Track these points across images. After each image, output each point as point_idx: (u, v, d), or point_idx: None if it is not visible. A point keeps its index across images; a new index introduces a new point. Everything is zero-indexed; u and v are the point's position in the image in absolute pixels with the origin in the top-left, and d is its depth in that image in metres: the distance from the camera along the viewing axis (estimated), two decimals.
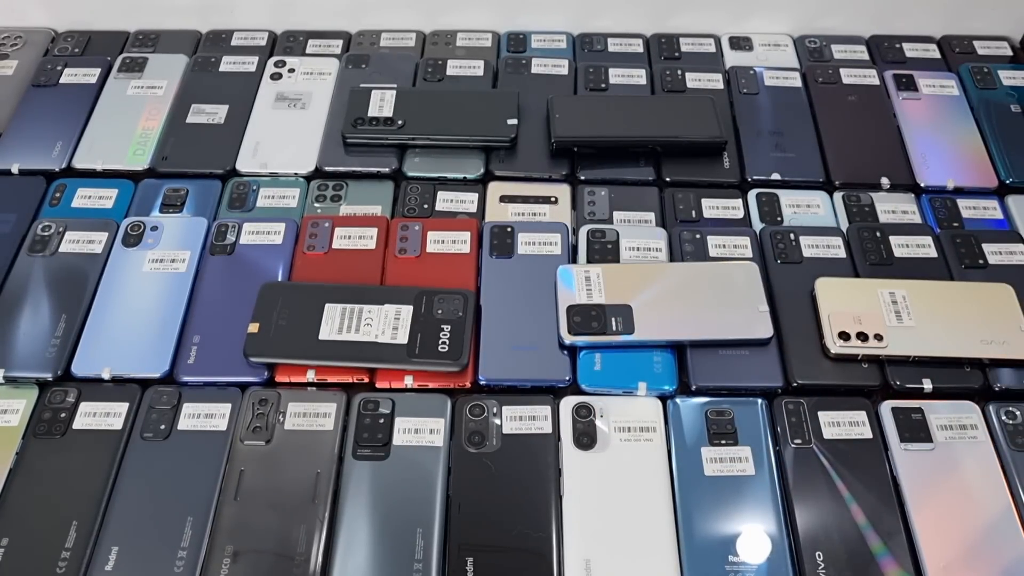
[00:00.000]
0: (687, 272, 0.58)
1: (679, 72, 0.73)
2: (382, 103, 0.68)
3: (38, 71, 0.73)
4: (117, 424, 0.52)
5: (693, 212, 0.64)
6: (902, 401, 0.53)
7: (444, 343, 0.54)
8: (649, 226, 0.63)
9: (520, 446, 0.51)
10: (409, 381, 0.54)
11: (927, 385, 0.54)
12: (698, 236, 0.61)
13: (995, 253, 0.61)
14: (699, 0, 0.77)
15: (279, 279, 0.59)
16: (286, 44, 0.76)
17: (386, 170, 0.66)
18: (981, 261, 0.60)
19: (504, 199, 0.64)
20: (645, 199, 0.65)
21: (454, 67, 0.74)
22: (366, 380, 0.54)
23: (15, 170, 0.66)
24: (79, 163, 0.66)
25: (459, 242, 0.61)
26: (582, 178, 0.66)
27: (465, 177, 0.66)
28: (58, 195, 0.64)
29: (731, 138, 0.69)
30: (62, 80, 0.72)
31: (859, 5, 0.78)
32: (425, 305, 0.55)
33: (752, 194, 0.65)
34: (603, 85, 0.73)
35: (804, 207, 0.65)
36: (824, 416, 0.52)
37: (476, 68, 0.74)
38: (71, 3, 0.77)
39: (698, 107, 0.69)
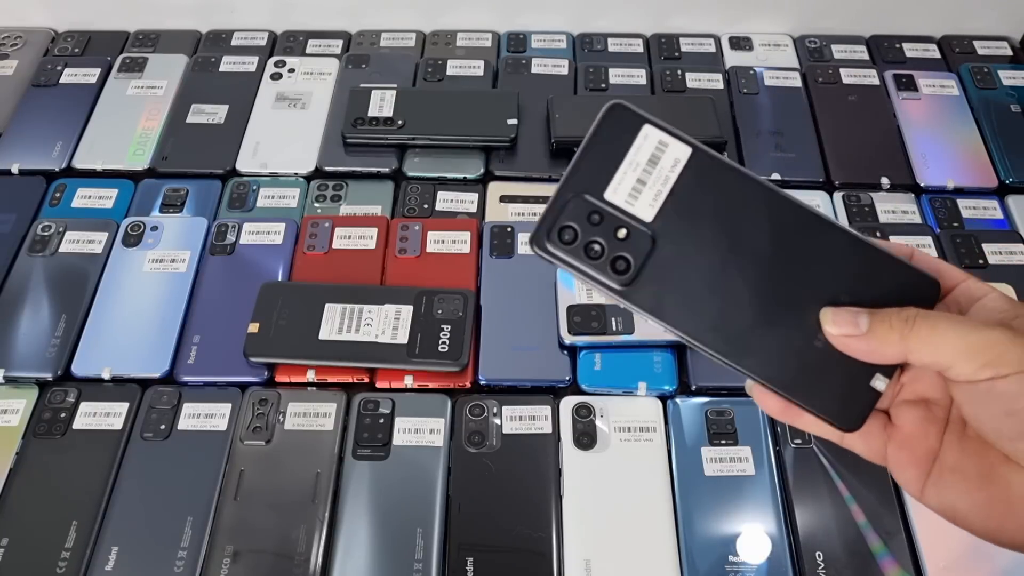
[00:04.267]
0: None
1: (679, 72, 0.73)
2: (382, 103, 0.68)
3: (38, 71, 0.73)
4: (117, 424, 0.52)
5: None
6: None
7: (444, 343, 0.54)
8: None
9: (520, 446, 0.51)
10: (409, 381, 0.54)
11: None
12: None
13: (995, 253, 0.61)
14: (699, 0, 0.77)
15: (279, 279, 0.59)
16: (286, 44, 0.76)
17: (386, 170, 0.66)
18: (981, 261, 0.60)
19: (504, 199, 0.64)
20: None
21: (454, 67, 0.74)
22: (366, 380, 0.54)
23: (15, 170, 0.66)
24: (79, 163, 0.66)
25: (459, 242, 0.61)
26: None
27: (465, 177, 0.66)
28: (58, 195, 0.64)
29: (731, 138, 0.69)
30: (62, 80, 0.72)
31: (859, 5, 0.78)
32: (425, 305, 0.55)
33: None
34: (603, 85, 0.73)
35: None
36: None
37: (476, 68, 0.74)
38: (71, 3, 0.77)
39: (698, 107, 0.69)
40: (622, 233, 0.29)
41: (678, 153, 0.29)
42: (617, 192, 0.29)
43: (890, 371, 0.29)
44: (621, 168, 0.29)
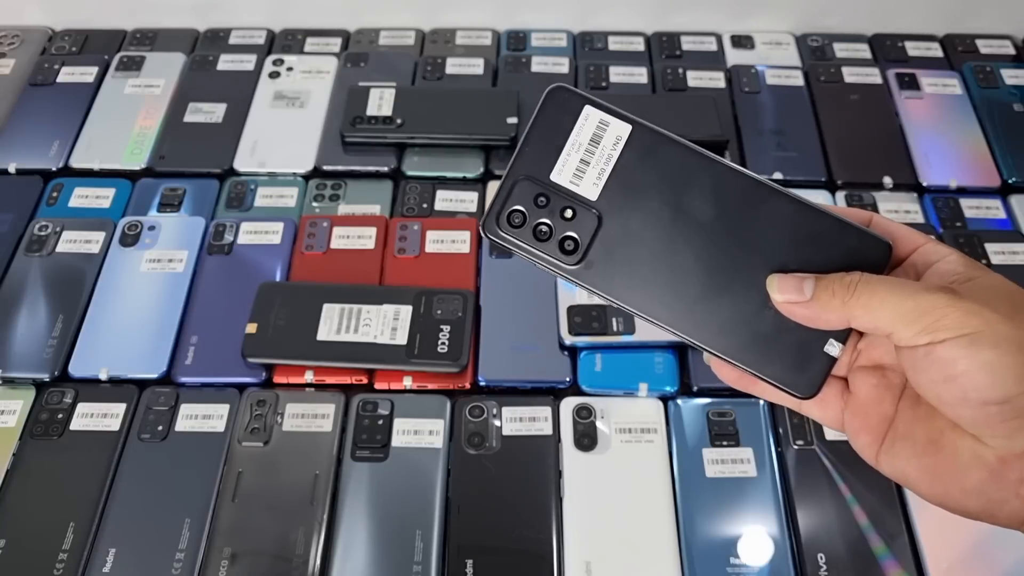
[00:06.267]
0: None
1: (680, 71, 0.73)
2: (381, 102, 0.67)
3: (35, 70, 0.72)
4: (114, 425, 0.52)
5: None
6: None
7: (443, 344, 0.53)
8: None
9: (520, 447, 0.51)
10: (408, 382, 0.54)
11: None
12: None
13: (998, 253, 0.61)
14: None
15: (277, 279, 0.58)
16: (284, 42, 0.76)
17: (385, 169, 0.66)
18: (984, 261, 0.60)
19: None
20: None
21: (453, 65, 0.73)
22: (365, 381, 0.54)
23: (12, 169, 0.66)
24: (76, 162, 0.66)
25: (458, 242, 0.60)
26: None
27: (464, 176, 0.66)
28: (55, 194, 0.64)
29: (733, 137, 0.68)
30: (59, 79, 0.72)
31: (861, 3, 0.77)
32: (424, 305, 0.55)
33: None
34: (604, 84, 0.72)
35: None
36: None
37: (476, 66, 0.73)
38: (68, 2, 0.77)
39: (699, 106, 0.68)
40: (568, 213, 0.30)
41: (619, 131, 0.30)
42: (562, 173, 0.30)
43: (843, 336, 0.29)
44: (565, 149, 0.30)
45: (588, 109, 0.30)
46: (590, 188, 0.30)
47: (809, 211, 0.29)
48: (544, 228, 0.30)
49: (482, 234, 0.30)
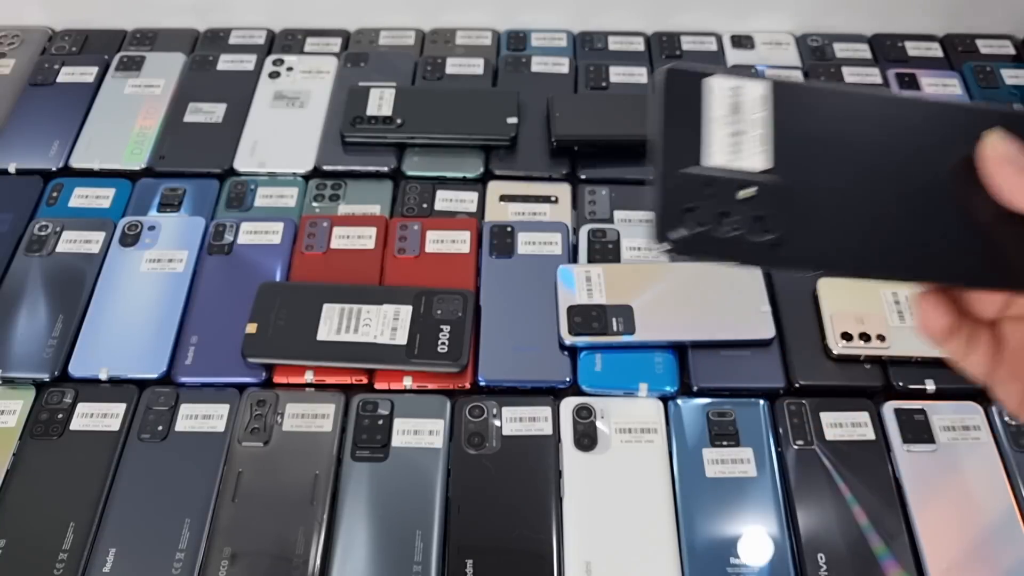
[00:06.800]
0: (688, 272, 0.57)
1: None
2: (381, 102, 0.67)
3: (35, 70, 0.72)
4: (114, 425, 0.52)
5: None
6: (904, 402, 0.53)
7: (443, 344, 0.53)
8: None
9: (520, 447, 0.51)
10: (408, 382, 0.54)
11: (930, 386, 0.54)
12: None
13: None
14: None
15: (277, 279, 0.58)
16: (284, 42, 0.76)
17: (385, 169, 0.66)
18: None
19: (504, 198, 0.64)
20: (646, 198, 0.64)
21: (453, 65, 0.73)
22: (365, 381, 0.54)
23: (12, 169, 0.66)
24: (76, 162, 0.66)
25: (458, 242, 0.60)
26: (583, 177, 0.65)
27: (464, 176, 0.66)
28: (55, 194, 0.64)
29: None
30: (59, 79, 0.72)
31: (861, 3, 0.77)
32: (424, 305, 0.55)
33: None
34: (604, 84, 0.72)
35: None
36: (826, 417, 0.52)
37: (476, 66, 0.73)
38: (68, 2, 0.77)
39: None
40: (744, 193, 0.26)
41: (756, 91, 0.27)
42: (715, 155, 0.26)
43: None
44: (705, 130, 0.26)
45: (711, 81, 0.27)
46: (755, 158, 0.26)
47: (979, 112, 0.27)
48: (729, 216, 0.26)
49: (660, 250, 0.26)
